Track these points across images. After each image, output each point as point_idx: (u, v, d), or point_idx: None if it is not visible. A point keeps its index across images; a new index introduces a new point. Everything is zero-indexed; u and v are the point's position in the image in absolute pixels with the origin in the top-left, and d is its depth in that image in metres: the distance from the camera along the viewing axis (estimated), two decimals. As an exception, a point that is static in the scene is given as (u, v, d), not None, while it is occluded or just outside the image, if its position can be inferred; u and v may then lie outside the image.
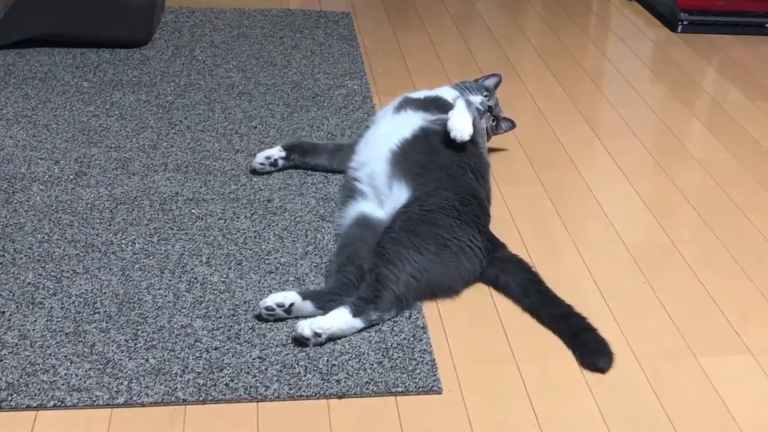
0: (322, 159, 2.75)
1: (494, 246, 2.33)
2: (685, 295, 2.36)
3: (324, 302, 2.14)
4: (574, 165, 2.95)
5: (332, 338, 2.07)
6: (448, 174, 2.40)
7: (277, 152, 2.72)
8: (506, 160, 2.95)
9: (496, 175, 2.77)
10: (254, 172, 2.71)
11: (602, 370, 2.06)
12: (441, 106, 2.64)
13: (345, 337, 2.08)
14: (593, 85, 3.63)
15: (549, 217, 2.66)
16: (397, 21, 4.10)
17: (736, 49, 4.01)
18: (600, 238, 2.58)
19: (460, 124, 2.45)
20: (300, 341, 2.06)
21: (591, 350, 2.09)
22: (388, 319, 2.15)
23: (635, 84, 3.61)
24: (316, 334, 2.05)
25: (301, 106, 3.17)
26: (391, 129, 2.56)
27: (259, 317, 2.12)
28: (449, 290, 2.26)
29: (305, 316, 2.10)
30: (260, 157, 2.71)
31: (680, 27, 4.14)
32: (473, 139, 2.49)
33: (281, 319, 2.12)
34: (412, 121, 2.56)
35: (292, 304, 2.11)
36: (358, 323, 2.10)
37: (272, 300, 2.11)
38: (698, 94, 3.61)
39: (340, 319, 2.08)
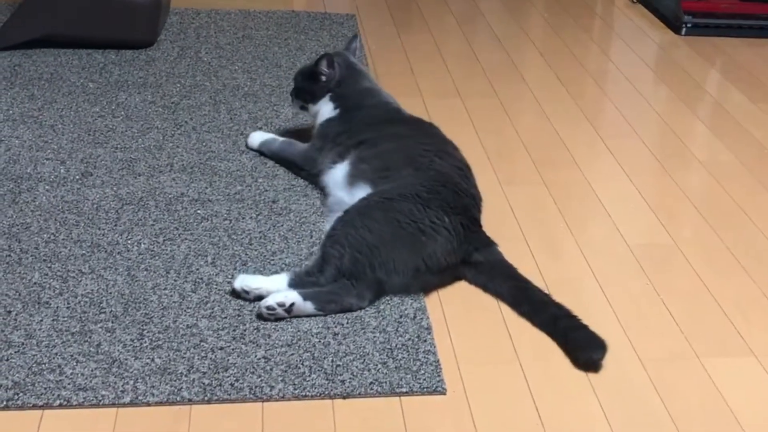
0: None
1: (475, 236, 2.33)
2: (688, 296, 2.36)
3: (324, 303, 2.16)
4: (577, 166, 2.95)
5: (260, 298, 2.16)
6: (414, 168, 2.41)
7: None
8: (509, 160, 2.96)
9: (500, 175, 2.78)
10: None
11: (597, 361, 2.05)
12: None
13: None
14: (597, 87, 3.63)
15: (552, 217, 2.67)
16: (400, 22, 4.10)
17: (739, 52, 4.02)
18: (603, 239, 2.59)
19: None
20: (235, 293, 2.20)
21: (581, 346, 2.09)
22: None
23: (639, 86, 3.62)
24: (245, 291, 2.18)
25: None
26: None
27: (260, 316, 2.14)
28: (419, 270, 2.24)
29: (306, 316, 2.13)
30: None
31: (684, 29, 4.15)
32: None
33: (282, 318, 2.13)
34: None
35: (292, 304, 2.13)
36: (292, 294, 2.15)
37: (273, 299, 2.13)
38: (701, 96, 3.62)
39: (274, 284, 2.18)
